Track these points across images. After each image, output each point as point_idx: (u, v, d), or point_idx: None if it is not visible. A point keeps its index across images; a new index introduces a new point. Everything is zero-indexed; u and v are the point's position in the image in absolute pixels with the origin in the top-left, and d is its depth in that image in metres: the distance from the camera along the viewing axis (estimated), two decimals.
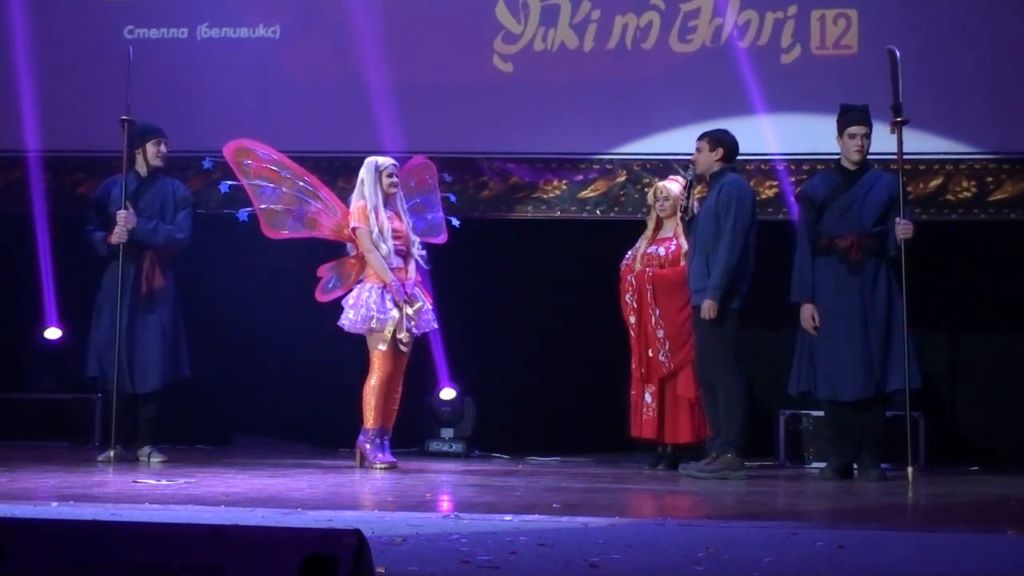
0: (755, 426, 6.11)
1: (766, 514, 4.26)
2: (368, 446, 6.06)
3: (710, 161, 5.99)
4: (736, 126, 6.26)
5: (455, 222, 6.64)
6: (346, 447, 6.57)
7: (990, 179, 6.95)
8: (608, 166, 7.24)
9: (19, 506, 3.79)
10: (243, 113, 7.26)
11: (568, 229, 7.35)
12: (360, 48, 7.27)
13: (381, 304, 6.02)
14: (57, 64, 7.42)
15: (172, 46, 7.47)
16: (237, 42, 7.49)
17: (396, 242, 6.11)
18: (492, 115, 7.33)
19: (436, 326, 6.35)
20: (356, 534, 1.94)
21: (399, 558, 2.83)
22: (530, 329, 7.54)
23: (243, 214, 6.35)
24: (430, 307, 6.25)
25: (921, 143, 6.77)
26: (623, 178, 7.22)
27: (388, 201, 6.17)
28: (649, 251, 6.45)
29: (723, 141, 6.00)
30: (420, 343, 6.46)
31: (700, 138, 6.05)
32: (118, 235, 6.23)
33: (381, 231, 6.06)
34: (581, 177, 7.25)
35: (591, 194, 7.24)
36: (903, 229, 5.75)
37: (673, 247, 6.39)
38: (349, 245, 6.26)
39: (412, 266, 6.20)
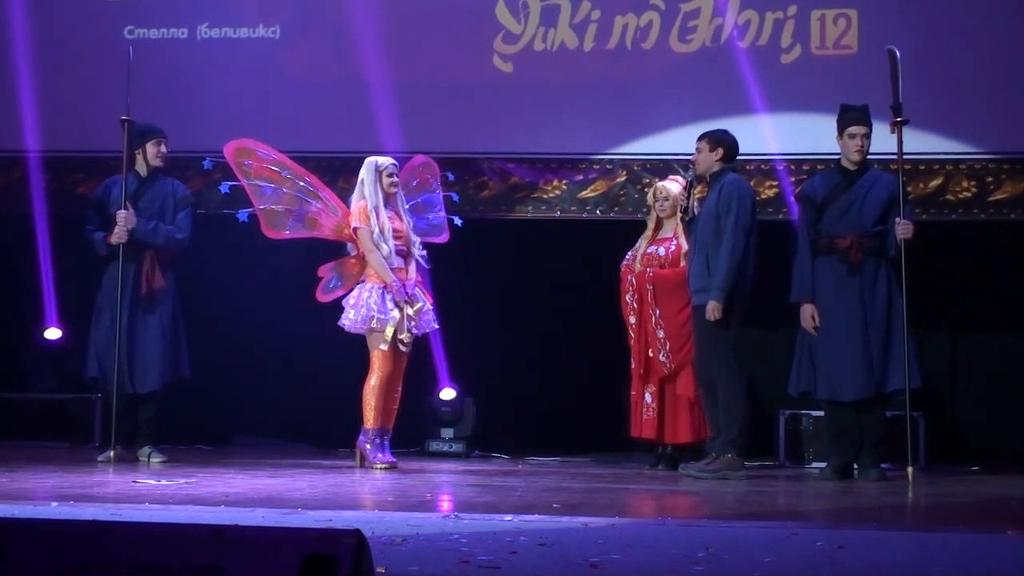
0: (755, 426, 6.11)
1: (766, 514, 4.26)
2: (368, 446, 6.06)
3: (710, 161, 5.99)
4: (736, 126, 6.26)
5: (457, 221, 6.64)
6: (346, 447, 6.57)
7: (990, 179, 6.95)
8: (608, 166, 7.24)
9: (19, 506, 3.79)
10: (243, 113, 7.26)
11: (568, 229, 7.35)
12: (360, 48, 7.27)
13: (382, 304, 6.02)
14: (57, 64, 7.43)
15: (172, 46, 7.47)
16: (237, 42, 7.49)
17: (397, 242, 6.11)
18: (492, 115, 7.33)
19: (436, 326, 6.35)
20: (356, 534, 1.94)
21: (399, 558, 2.83)
22: (530, 329, 7.55)
23: (243, 214, 6.35)
24: (430, 307, 6.25)
25: (921, 143, 6.77)
26: (623, 178, 7.22)
27: (388, 201, 6.17)
28: (649, 251, 6.45)
29: (723, 141, 6.00)
30: (420, 343, 6.46)
31: (700, 138, 6.06)
32: (118, 235, 6.23)
33: (382, 231, 6.06)
34: (581, 177, 7.25)
35: (591, 194, 7.24)
36: (903, 229, 5.75)
37: (673, 247, 6.39)
38: (349, 245, 6.26)
39: (412, 266, 6.20)
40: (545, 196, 7.28)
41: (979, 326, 7.26)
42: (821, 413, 6.30)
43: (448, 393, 7.19)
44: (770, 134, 6.96)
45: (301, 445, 7.34)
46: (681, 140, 6.81)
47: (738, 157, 6.13)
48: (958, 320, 7.23)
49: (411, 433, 6.99)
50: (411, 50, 7.31)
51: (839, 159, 6.05)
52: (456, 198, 6.77)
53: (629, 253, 6.55)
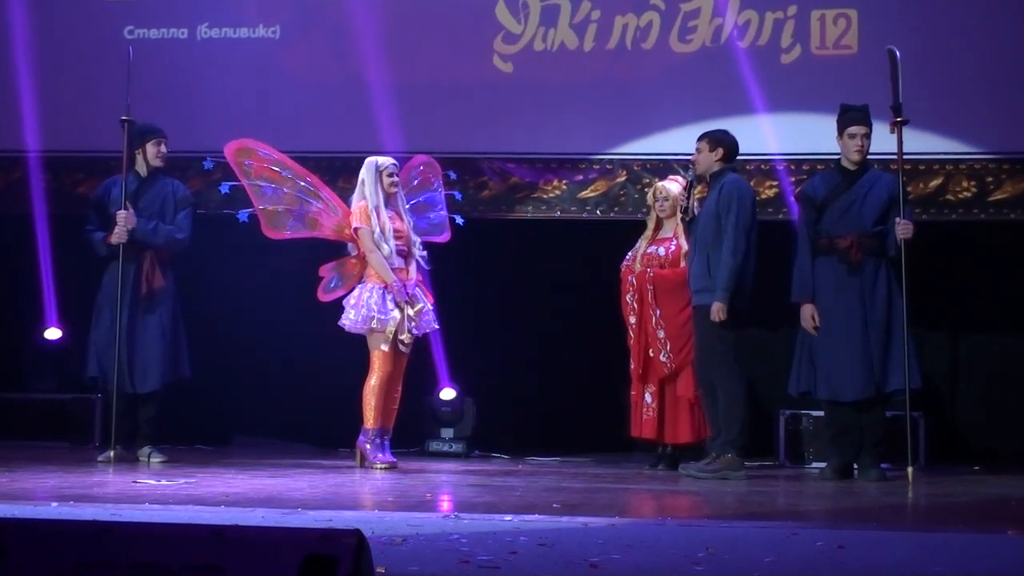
0: (755, 426, 6.11)
1: (766, 514, 4.26)
2: (368, 446, 6.06)
3: (710, 161, 5.99)
4: (736, 126, 6.26)
5: (459, 220, 6.64)
6: (346, 447, 6.57)
7: (990, 179, 6.95)
8: (608, 166, 7.24)
9: (19, 506, 3.79)
10: (243, 113, 7.26)
11: (568, 229, 7.35)
12: (360, 48, 7.27)
13: (382, 304, 6.02)
14: (57, 64, 7.43)
15: (172, 46, 7.47)
16: (237, 42, 7.49)
17: (397, 242, 6.11)
18: (492, 115, 7.33)
19: (437, 327, 6.35)
20: (356, 534, 1.94)
21: (399, 558, 2.83)
22: (530, 329, 7.54)
23: (243, 215, 6.34)
24: (431, 308, 6.25)
25: (921, 143, 6.77)
26: (623, 178, 7.22)
27: (389, 201, 6.17)
28: (649, 251, 6.45)
29: (723, 141, 6.00)
30: (420, 343, 6.46)
31: (700, 138, 6.06)
32: (118, 235, 6.23)
33: (383, 231, 6.06)
34: (581, 177, 7.25)
35: (591, 194, 7.24)
36: (903, 229, 5.75)
37: (673, 247, 6.39)
38: (350, 245, 6.26)
39: (413, 266, 6.20)
40: (545, 196, 7.28)
41: (979, 326, 7.26)
42: (821, 413, 6.30)
43: (448, 393, 7.19)
44: (770, 134, 6.96)
45: (301, 445, 7.34)
46: (681, 140, 6.81)
47: (738, 157, 6.13)
48: (958, 320, 7.23)
49: (411, 433, 6.99)
50: (411, 50, 7.31)
51: (839, 159, 6.05)
52: (459, 196, 6.77)
53: (629, 253, 6.55)
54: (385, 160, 6.21)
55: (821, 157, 6.78)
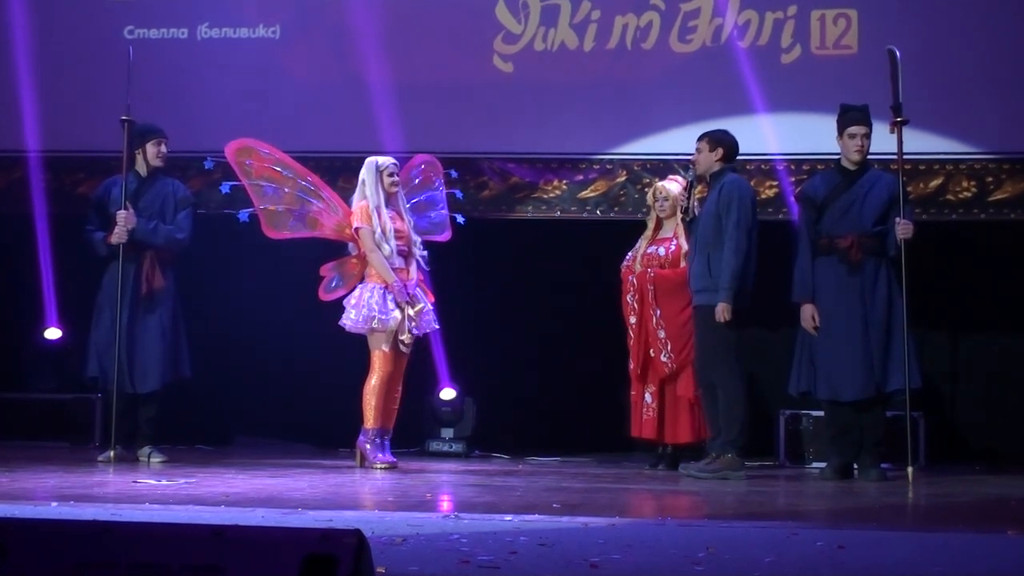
0: (755, 426, 6.10)
1: (766, 514, 4.26)
2: (368, 446, 6.06)
3: (710, 161, 5.99)
4: (736, 126, 6.26)
5: (460, 219, 6.64)
6: (346, 447, 6.57)
7: (990, 179, 6.95)
8: (608, 166, 7.24)
9: (19, 506, 3.79)
10: (243, 113, 7.25)
11: (568, 229, 7.35)
12: (360, 48, 7.27)
13: (383, 304, 6.02)
14: (57, 64, 7.43)
15: (172, 46, 7.47)
16: (237, 42, 7.49)
17: (398, 242, 6.11)
18: (492, 115, 7.33)
19: (437, 327, 6.35)
20: (356, 534, 1.94)
21: (399, 558, 2.83)
22: (530, 329, 7.54)
23: (243, 215, 6.34)
24: (431, 308, 6.25)
25: (921, 143, 6.77)
26: (623, 178, 7.22)
27: (390, 201, 6.17)
28: (649, 251, 6.45)
29: (723, 141, 6.00)
30: (420, 343, 6.46)
31: (700, 139, 6.06)
32: (118, 235, 6.23)
33: (384, 231, 6.06)
34: (581, 177, 7.25)
35: (591, 194, 7.24)
36: (903, 229, 5.75)
37: (673, 247, 6.40)
38: (350, 245, 6.26)
39: (414, 266, 6.20)
40: (545, 196, 7.28)
41: (979, 326, 7.26)
42: (821, 413, 6.30)
43: (448, 393, 7.19)
44: (770, 134, 6.96)
45: (301, 445, 7.34)
46: (681, 140, 6.81)
47: (738, 157, 6.14)
48: (958, 320, 7.23)
49: (411, 433, 6.99)
50: (411, 50, 7.31)
51: (839, 159, 6.05)
52: (460, 195, 6.77)
53: (629, 254, 6.55)
54: (385, 160, 6.21)
55: (821, 157, 6.78)
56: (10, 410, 7.32)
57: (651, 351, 6.34)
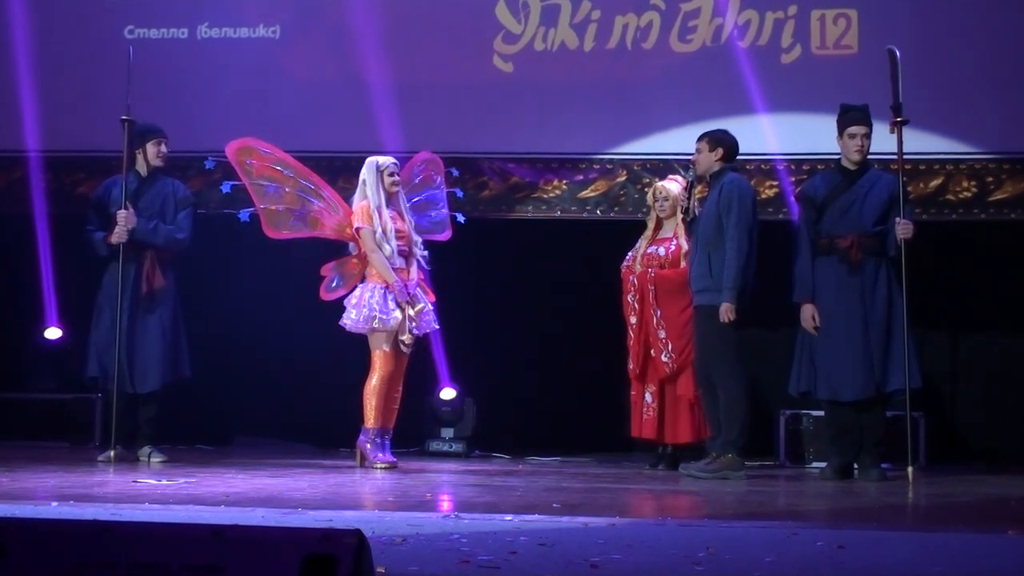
0: (755, 426, 6.10)
1: (766, 514, 4.26)
2: (369, 446, 6.06)
3: (710, 161, 5.99)
4: (736, 126, 6.26)
5: (460, 218, 6.64)
6: (346, 447, 6.57)
7: (990, 179, 6.95)
8: (608, 166, 7.24)
9: (19, 506, 3.79)
10: (243, 113, 7.26)
11: (568, 229, 7.35)
12: (360, 48, 7.27)
13: (383, 304, 6.02)
14: (57, 64, 7.43)
15: (172, 46, 7.47)
16: (237, 42, 7.49)
17: (399, 242, 6.11)
18: (492, 115, 7.33)
19: (437, 327, 6.35)
20: (356, 534, 1.94)
21: (399, 558, 2.83)
22: (530, 329, 7.54)
23: (244, 214, 6.34)
24: (431, 308, 6.25)
25: (921, 143, 6.77)
26: (623, 178, 7.22)
27: (390, 200, 6.17)
28: (649, 251, 6.45)
29: (722, 141, 6.00)
30: (420, 343, 6.46)
31: (700, 139, 6.06)
32: (118, 235, 6.23)
33: (384, 231, 6.06)
34: (581, 177, 7.25)
35: (591, 194, 7.24)
36: (903, 229, 5.75)
37: (673, 247, 6.40)
38: (351, 245, 6.26)
39: (414, 266, 6.20)
40: (545, 196, 7.28)
41: (979, 326, 7.26)
42: (821, 413, 6.30)
43: (448, 393, 7.19)
44: (770, 134, 6.96)
45: (301, 445, 7.34)
46: (681, 140, 6.81)
47: (738, 157, 6.13)
48: (958, 320, 7.23)
49: (411, 433, 6.99)
50: (411, 50, 7.31)
51: (839, 159, 6.05)
52: (460, 194, 6.77)
53: (629, 253, 6.55)
54: (386, 160, 6.21)
55: (821, 157, 6.78)
56: (10, 410, 7.32)
57: (652, 351, 6.34)
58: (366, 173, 6.15)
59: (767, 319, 6.61)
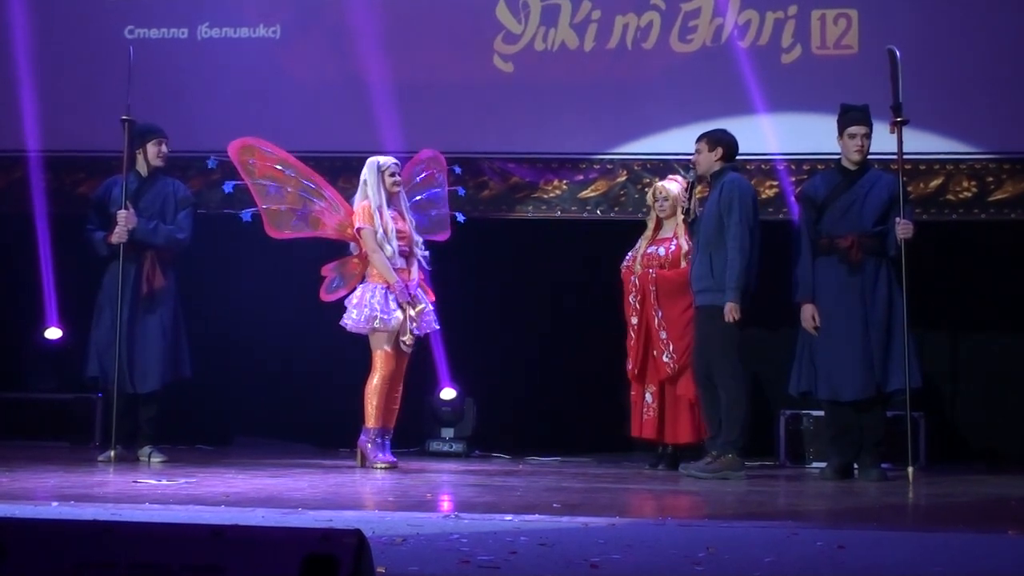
0: (755, 426, 6.11)
1: (766, 514, 4.26)
2: (369, 446, 6.05)
3: (710, 161, 5.99)
4: (736, 126, 6.26)
5: (460, 218, 6.64)
6: (347, 447, 6.57)
7: (990, 179, 6.95)
8: (608, 166, 7.24)
9: (19, 506, 3.79)
10: (243, 113, 7.26)
11: (568, 229, 7.35)
12: (360, 48, 7.27)
13: (384, 304, 6.02)
14: (57, 64, 7.43)
15: (172, 46, 7.48)
16: (237, 42, 7.49)
17: (400, 243, 6.11)
18: (492, 115, 7.33)
19: (438, 327, 6.35)
20: (356, 534, 1.94)
21: (399, 558, 2.83)
22: (530, 329, 7.55)
23: (246, 214, 6.33)
24: (432, 308, 6.25)
25: (921, 143, 6.77)
26: (623, 178, 7.22)
27: (391, 201, 6.17)
28: (649, 251, 6.45)
29: (722, 140, 6.01)
30: (421, 343, 6.46)
31: (699, 139, 6.06)
32: (118, 235, 6.23)
33: (386, 232, 6.06)
34: (581, 177, 7.25)
35: (591, 194, 7.24)
36: (903, 229, 5.75)
37: (673, 247, 6.40)
38: (352, 245, 6.26)
39: (415, 266, 6.20)
40: (545, 196, 7.28)
41: (979, 326, 7.26)
42: (821, 413, 6.30)
43: (448, 393, 7.19)
44: (770, 134, 6.96)
45: (301, 445, 7.34)
46: (681, 140, 6.81)
47: (738, 157, 6.13)
48: (958, 320, 7.23)
49: (411, 433, 6.99)
50: (411, 50, 7.31)
51: (839, 159, 6.05)
52: (462, 192, 6.76)
53: (629, 254, 6.55)
54: (387, 160, 6.21)
55: (821, 157, 6.79)
56: (10, 410, 7.32)
57: (653, 352, 6.34)
58: (367, 173, 6.15)
59: (767, 319, 6.61)
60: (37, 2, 7.50)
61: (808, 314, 5.88)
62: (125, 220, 6.23)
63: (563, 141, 7.25)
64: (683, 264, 6.30)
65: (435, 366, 7.11)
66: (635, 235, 6.61)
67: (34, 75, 7.33)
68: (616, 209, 7.23)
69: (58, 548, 1.98)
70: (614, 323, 6.56)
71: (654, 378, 6.36)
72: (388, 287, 6.04)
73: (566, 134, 7.23)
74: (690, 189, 6.08)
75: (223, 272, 7.29)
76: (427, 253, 6.31)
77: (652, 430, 6.35)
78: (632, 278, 6.43)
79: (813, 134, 6.77)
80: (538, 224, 7.34)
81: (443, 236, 6.58)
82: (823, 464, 6.24)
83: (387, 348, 6.02)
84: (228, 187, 6.32)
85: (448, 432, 7.20)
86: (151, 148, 6.39)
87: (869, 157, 5.98)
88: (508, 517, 3.73)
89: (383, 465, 5.96)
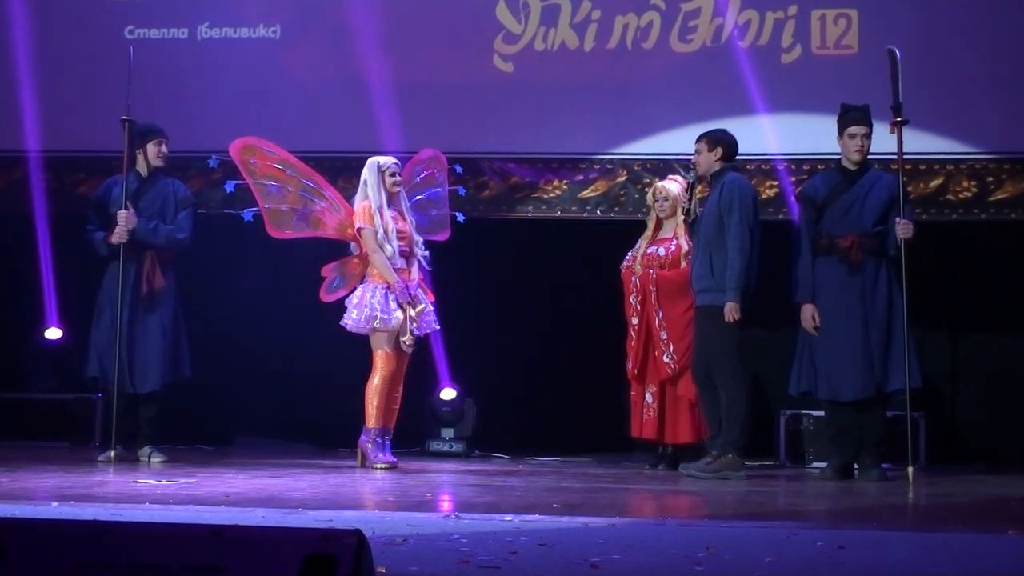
0: (755, 426, 6.11)
1: (766, 514, 4.26)
2: (370, 446, 6.05)
3: (710, 161, 5.99)
4: (736, 126, 6.27)
5: (460, 217, 6.64)
6: (347, 447, 6.57)
7: (990, 179, 6.95)
8: (608, 166, 7.24)
9: (19, 506, 3.79)
10: (243, 113, 7.26)
11: (568, 229, 7.35)
12: (360, 48, 7.27)
13: (385, 304, 6.02)
14: (57, 64, 7.43)
15: (172, 46, 7.48)
16: (237, 42, 7.49)
17: (400, 243, 6.11)
18: (492, 115, 7.33)
19: (438, 327, 6.35)
20: (356, 534, 1.94)
21: (399, 558, 2.83)
22: (530, 329, 7.55)
23: (248, 214, 6.33)
24: (432, 308, 6.25)
25: (921, 143, 6.77)
26: (623, 178, 7.22)
27: (392, 201, 6.17)
28: (649, 251, 6.45)
29: (722, 140, 6.01)
30: (421, 343, 6.45)
31: (699, 139, 6.06)
32: (119, 235, 6.23)
33: (386, 232, 6.06)
34: (581, 177, 7.25)
35: (591, 194, 7.24)
36: (903, 229, 5.75)
37: (673, 247, 6.40)
38: (352, 245, 6.26)
39: (415, 267, 6.20)
40: (545, 196, 7.28)
41: (979, 326, 7.26)
42: (821, 413, 6.30)
43: (448, 393, 7.19)
44: (770, 134, 6.96)
45: (302, 445, 7.34)
46: (681, 140, 6.81)
47: (738, 157, 6.13)
48: (958, 320, 7.23)
49: (411, 433, 6.99)
50: (411, 50, 7.31)
51: (839, 159, 6.05)
52: (463, 192, 6.76)
53: (629, 254, 6.55)
54: (387, 160, 6.21)
55: (821, 157, 6.79)
56: (10, 410, 7.32)
57: (654, 352, 6.34)
58: (367, 173, 6.15)
59: (767, 319, 6.61)
60: (37, 2, 7.50)
61: (808, 314, 5.88)
62: (125, 220, 6.23)
63: (563, 141, 7.25)
64: (683, 264, 6.30)
65: (435, 366, 7.11)
66: (635, 235, 6.61)
67: (34, 75, 7.33)
68: (616, 209, 7.23)
69: (58, 548, 1.98)
70: (614, 323, 6.56)
71: (654, 378, 6.36)
72: (388, 287, 6.04)
73: (566, 134, 7.23)
74: (690, 189, 6.08)
75: (223, 272, 7.29)
76: (427, 253, 6.30)
77: (652, 430, 6.35)
78: (632, 278, 6.43)
79: (813, 134, 6.77)
80: (538, 224, 7.34)
81: (443, 236, 6.58)
82: (823, 464, 6.24)
83: (387, 348, 6.02)
84: (230, 186, 6.31)
85: (448, 432, 7.20)
86: (151, 148, 6.39)
87: (869, 157, 5.98)
88: (508, 517, 3.73)
89: (383, 465, 5.96)
